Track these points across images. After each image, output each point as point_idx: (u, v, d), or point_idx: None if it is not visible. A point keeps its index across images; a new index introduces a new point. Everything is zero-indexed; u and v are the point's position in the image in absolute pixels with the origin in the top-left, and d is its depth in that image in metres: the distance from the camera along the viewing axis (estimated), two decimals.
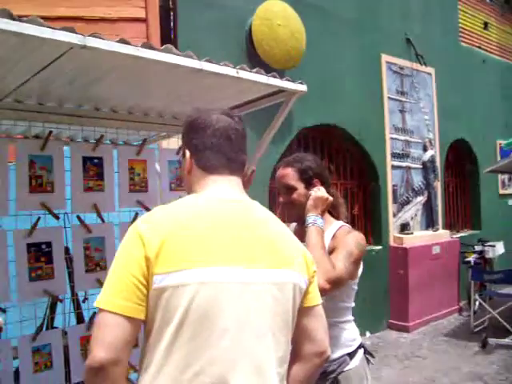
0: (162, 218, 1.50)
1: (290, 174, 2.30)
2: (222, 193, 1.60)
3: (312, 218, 2.18)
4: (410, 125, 7.52)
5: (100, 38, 1.90)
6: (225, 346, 1.43)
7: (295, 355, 1.62)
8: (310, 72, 5.66)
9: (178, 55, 2.14)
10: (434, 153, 7.82)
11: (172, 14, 5.00)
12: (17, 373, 2.51)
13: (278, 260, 1.56)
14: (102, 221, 2.80)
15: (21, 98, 2.48)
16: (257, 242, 1.54)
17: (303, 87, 2.69)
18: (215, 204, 1.57)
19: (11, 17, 1.70)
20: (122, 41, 1.97)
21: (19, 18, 1.72)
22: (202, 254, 1.45)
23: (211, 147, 1.63)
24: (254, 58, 5.29)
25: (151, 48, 2.05)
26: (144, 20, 4.80)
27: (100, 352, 1.34)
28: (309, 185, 2.29)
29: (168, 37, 4.88)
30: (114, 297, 1.39)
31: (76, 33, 1.83)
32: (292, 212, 2.30)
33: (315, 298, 1.65)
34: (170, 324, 1.41)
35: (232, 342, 1.44)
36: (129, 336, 1.38)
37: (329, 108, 6.24)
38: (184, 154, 1.67)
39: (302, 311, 1.61)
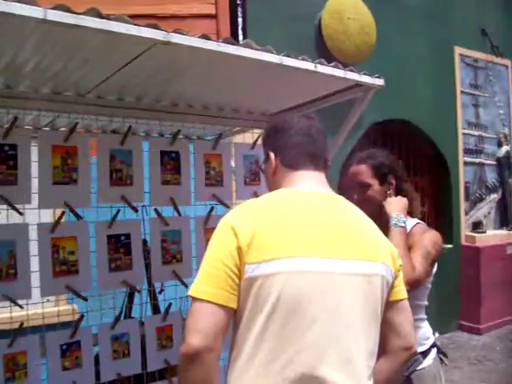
0: (253, 210, 1.55)
1: (364, 171, 2.27)
2: (309, 187, 1.63)
3: (396, 218, 2.15)
4: (484, 119, 7.28)
5: (183, 34, 1.93)
6: (314, 336, 1.44)
7: (381, 349, 1.61)
8: (380, 66, 5.54)
9: (258, 50, 2.15)
10: (510, 148, 7.53)
11: (241, 9, 5.03)
12: (97, 358, 2.60)
13: (366, 252, 1.56)
14: (179, 214, 2.84)
15: (102, 94, 2.55)
16: (344, 234, 1.55)
17: (380, 81, 2.65)
18: (303, 197, 1.60)
19: (100, 15, 1.75)
20: (204, 36, 1.99)
21: (107, 16, 1.77)
22: (293, 244, 1.47)
23: (295, 145, 1.68)
24: (322, 52, 5.25)
25: (231, 43, 2.07)
26: (214, 16, 4.86)
27: (194, 339, 1.39)
28: (383, 181, 2.25)
29: (237, 32, 4.92)
30: (207, 286, 1.44)
31: (160, 29, 1.87)
32: (366, 209, 2.25)
33: (401, 292, 1.65)
34: (261, 313, 1.43)
35: (321, 333, 1.45)
36: (222, 324, 1.42)
37: (399, 103, 6.12)
38: (267, 157, 1.73)
39: (389, 305, 1.61)
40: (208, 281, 1.45)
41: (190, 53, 2.02)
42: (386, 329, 1.61)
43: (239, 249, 1.44)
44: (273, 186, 1.71)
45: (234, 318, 1.48)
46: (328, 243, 1.51)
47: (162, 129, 2.90)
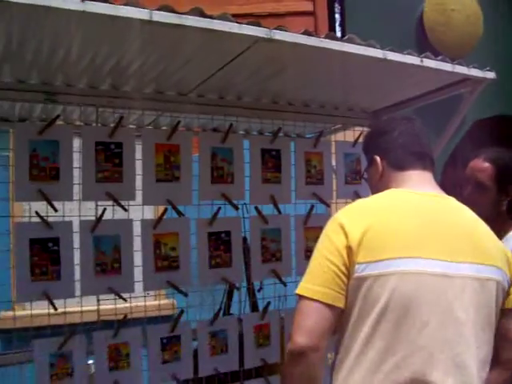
0: (363, 210, 1.54)
1: (487, 171, 2.12)
2: (418, 187, 1.59)
3: None
4: None
5: (285, 31, 1.90)
6: (425, 340, 1.40)
7: (494, 360, 1.54)
8: (485, 58, 5.25)
9: (361, 45, 2.09)
10: None
11: (338, 5, 4.92)
12: (195, 353, 2.64)
13: (480, 255, 1.50)
14: (279, 212, 2.83)
15: (203, 93, 2.58)
16: (457, 236, 1.50)
17: (491, 74, 2.52)
18: (414, 197, 1.56)
19: (203, 14, 1.77)
20: (306, 32, 1.96)
21: (210, 15, 1.78)
22: (404, 245, 1.44)
23: (401, 146, 1.66)
24: (423, 46, 5.02)
25: (334, 39, 2.02)
26: (311, 13, 4.79)
27: (300, 338, 1.40)
28: (502, 189, 2.10)
29: (335, 29, 4.82)
30: (315, 284, 1.44)
31: (263, 27, 1.86)
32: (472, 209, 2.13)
33: None
34: (371, 314, 1.42)
35: (432, 337, 1.41)
36: (328, 323, 1.43)
37: (507, 98, 5.75)
38: (372, 161, 1.71)
39: (504, 313, 1.54)
40: (316, 279, 1.45)
41: (291, 49, 2.00)
42: (500, 338, 1.54)
43: (349, 248, 1.43)
44: (379, 189, 1.67)
45: (340, 318, 1.47)
46: (441, 245, 1.47)
47: (262, 127, 2.90)
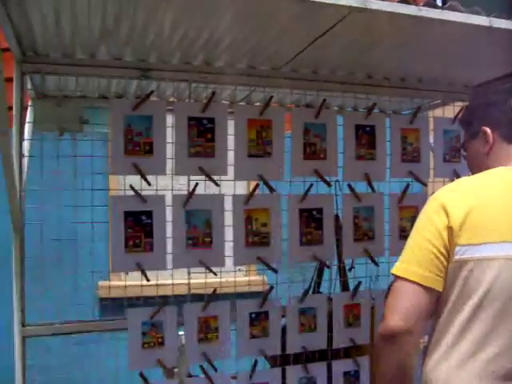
0: (467, 188, 1.46)
1: None
2: None
3: None
4: None
5: (381, 0, 1.81)
6: None
7: None
8: None
9: (464, 12, 1.95)
10: None
11: None
12: (283, 330, 2.63)
13: None
14: (373, 190, 2.75)
15: (296, 67, 2.53)
16: None
17: None
18: None
19: None
20: (404, 1, 1.87)
21: None
22: (509, 228, 1.36)
23: None
24: None
25: (434, 7, 1.90)
26: None
27: (393, 320, 1.36)
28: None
29: None
30: (412, 265, 1.39)
31: None
32: None
33: None
34: (469, 300, 1.36)
35: None
36: (424, 306, 1.37)
37: None
38: (478, 133, 1.59)
39: None
40: (413, 260, 1.41)
41: (387, 20, 1.92)
42: None
43: (450, 229, 1.37)
44: (485, 164, 1.56)
45: (437, 300, 1.42)
46: None
47: (356, 102, 2.81)
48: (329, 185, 2.67)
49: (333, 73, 2.61)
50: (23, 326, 2.25)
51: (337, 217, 2.75)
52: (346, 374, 2.73)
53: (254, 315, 2.56)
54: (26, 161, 2.32)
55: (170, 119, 2.42)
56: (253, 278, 3.28)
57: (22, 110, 2.25)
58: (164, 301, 2.42)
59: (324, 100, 2.61)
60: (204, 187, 2.47)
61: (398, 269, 1.43)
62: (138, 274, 2.38)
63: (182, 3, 1.80)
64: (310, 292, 2.80)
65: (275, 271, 2.57)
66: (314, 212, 2.66)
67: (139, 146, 2.35)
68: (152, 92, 2.40)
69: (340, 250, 2.76)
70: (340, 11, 1.83)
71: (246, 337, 2.54)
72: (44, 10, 1.81)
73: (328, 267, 2.77)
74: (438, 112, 3.04)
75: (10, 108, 2.03)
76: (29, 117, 2.45)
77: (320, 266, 2.83)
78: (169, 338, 2.42)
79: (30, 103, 2.51)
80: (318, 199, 2.67)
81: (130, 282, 2.64)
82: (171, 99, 2.71)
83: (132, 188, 2.34)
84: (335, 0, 1.76)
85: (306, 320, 2.65)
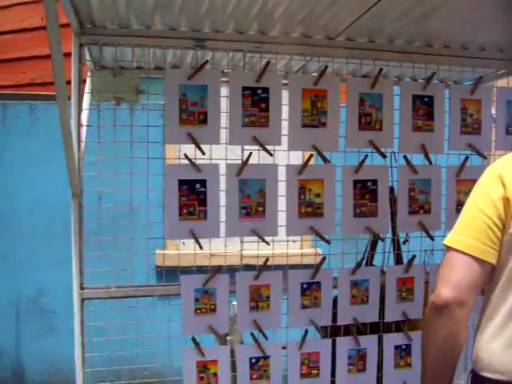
0: None
1: None
2: None
3: None
4: None
5: None
6: None
7: None
8: None
9: None
10: None
11: None
12: (335, 301, 2.64)
13: None
14: (430, 162, 2.68)
15: (352, 36, 2.49)
16: None
17: None
18: None
19: None
20: None
21: None
22: None
23: None
24: None
25: None
26: None
27: (445, 290, 1.35)
28: None
29: None
30: (465, 236, 1.37)
31: None
32: None
33: None
34: None
35: None
36: (477, 278, 1.35)
37: None
38: None
39: None
40: (466, 231, 1.39)
41: None
42: None
43: (506, 200, 1.34)
44: None
45: (490, 274, 1.39)
46: None
47: (414, 72, 2.73)
48: (384, 156, 2.62)
49: (390, 42, 2.56)
50: (81, 288, 2.35)
51: (392, 189, 2.71)
52: (397, 347, 2.71)
53: (305, 285, 2.57)
54: (84, 130, 2.40)
55: (224, 89, 2.44)
56: (305, 250, 3.27)
57: (81, 81, 2.32)
58: (217, 268, 2.46)
59: (380, 70, 2.56)
60: (258, 157, 2.48)
61: (450, 240, 1.41)
62: (192, 244, 2.44)
63: None
64: (363, 264, 2.78)
65: (328, 242, 2.57)
66: (369, 183, 2.63)
67: (194, 116, 2.38)
68: (207, 61, 2.41)
69: (394, 223, 2.72)
70: None
71: (297, 307, 2.56)
72: None
73: (382, 240, 2.74)
74: (503, 83, 2.92)
75: (68, 82, 2.09)
76: (87, 87, 2.53)
77: (373, 238, 2.80)
78: (221, 305, 2.47)
79: (88, 74, 2.58)
80: (372, 170, 2.63)
81: (184, 251, 2.70)
82: (226, 69, 2.72)
83: (186, 157, 2.38)
84: None
85: (358, 292, 2.64)
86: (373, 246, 2.86)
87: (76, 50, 2.29)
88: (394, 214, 2.71)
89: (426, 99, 2.65)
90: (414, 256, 2.71)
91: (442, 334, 1.38)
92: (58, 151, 2.18)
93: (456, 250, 1.37)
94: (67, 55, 2.06)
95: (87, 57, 2.47)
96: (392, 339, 2.70)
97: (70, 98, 2.23)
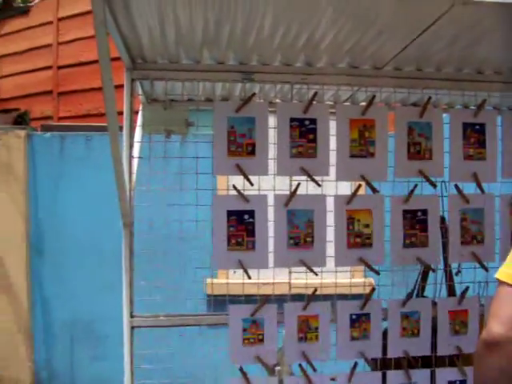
0: None
1: None
2: None
3: None
4: None
5: None
6: None
7: None
8: None
9: None
10: None
11: None
12: (385, 333, 2.59)
13: None
14: (482, 191, 2.62)
15: (400, 65, 2.48)
16: None
17: None
18: None
19: None
20: None
21: None
22: None
23: None
24: None
25: None
26: None
27: (496, 327, 1.31)
28: None
29: None
30: None
31: None
32: None
33: None
34: None
35: None
36: None
37: None
38: None
39: None
40: None
41: (495, 11, 1.83)
42: None
43: None
44: None
45: None
46: None
47: (464, 99, 2.69)
48: (434, 186, 2.58)
49: (438, 70, 2.54)
50: (131, 316, 2.39)
51: (442, 219, 2.66)
52: (450, 383, 2.62)
53: (354, 316, 2.53)
54: (135, 162, 2.46)
55: (272, 119, 2.46)
56: (354, 280, 3.24)
57: (132, 114, 2.40)
58: (265, 298, 2.46)
59: (429, 98, 2.54)
60: (306, 188, 2.48)
61: (502, 273, 1.38)
62: (242, 272, 2.45)
63: (280, 5, 1.83)
64: (414, 296, 2.72)
65: (377, 273, 2.53)
66: (419, 213, 2.59)
67: (242, 147, 2.41)
68: (254, 94, 2.45)
69: (446, 254, 2.66)
70: (441, 5, 1.79)
71: (347, 338, 2.52)
72: (150, 21, 1.93)
73: (433, 271, 2.68)
74: None
75: (121, 113, 2.17)
76: (139, 120, 2.60)
77: (424, 269, 2.75)
78: (269, 335, 2.46)
79: (140, 107, 2.66)
80: (422, 200, 2.59)
81: (232, 280, 2.71)
82: (275, 100, 2.75)
83: (235, 188, 2.41)
84: None
85: (409, 324, 2.58)
86: (424, 277, 2.80)
87: (128, 84, 2.37)
88: (445, 245, 2.66)
89: (478, 127, 2.60)
90: (467, 288, 2.63)
91: (494, 372, 1.33)
92: (111, 180, 2.25)
93: (508, 284, 1.33)
94: (120, 87, 2.14)
95: (139, 91, 2.55)
96: (445, 374, 2.62)
97: (122, 130, 2.31)
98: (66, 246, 4.49)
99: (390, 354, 2.56)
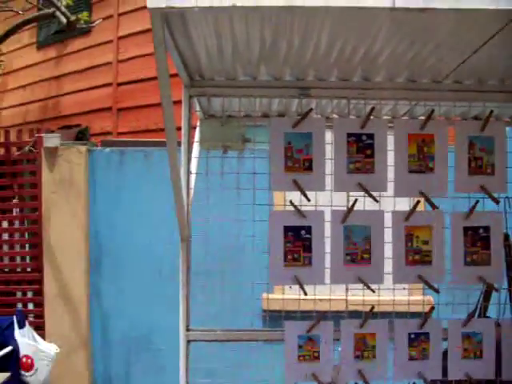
0: None
1: None
2: None
3: None
4: None
5: None
6: None
7: None
8: None
9: None
10: None
11: None
12: (445, 354, 2.51)
13: None
14: None
15: (459, 79, 2.44)
16: None
17: None
18: None
19: None
20: None
21: None
22: None
23: None
24: None
25: None
26: None
27: None
28: None
29: None
30: None
31: None
32: None
33: None
34: None
35: None
36: None
37: None
38: None
39: None
40: None
41: None
42: None
43: None
44: None
45: None
46: None
47: None
48: (497, 202, 2.51)
49: (501, 82, 2.47)
50: (187, 330, 2.41)
51: (506, 236, 2.57)
52: None
53: (413, 335, 2.47)
54: (193, 177, 2.49)
55: (328, 135, 2.45)
56: (413, 297, 3.16)
57: (190, 130, 2.43)
58: (321, 315, 2.44)
59: (491, 112, 2.47)
60: (363, 203, 2.45)
61: None
62: (298, 288, 2.43)
63: (336, 21, 1.83)
64: (476, 316, 2.63)
65: (437, 291, 2.46)
66: (481, 230, 2.51)
67: (299, 163, 2.41)
68: (311, 110, 2.44)
69: (510, 273, 2.57)
70: (501, 18, 1.75)
71: (405, 358, 2.46)
72: (207, 38, 1.95)
73: (496, 290, 2.59)
74: None
75: (179, 128, 2.20)
76: (196, 136, 2.64)
77: (487, 288, 2.66)
78: (324, 352, 2.43)
79: (198, 124, 2.70)
80: (484, 217, 2.52)
81: (288, 295, 2.70)
82: (333, 116, 2.74)
83: (292, 203, 2.40)
84: (495, 6, 1.67)
85: (471, 345, 2.49)
86: (486, 296, 2.71)
87: (186, 101, 2.41)
88: (509, 263, 2.57)
89: None
90: None
91: None
92: (170, 195, 2.28)
93: None
94: (178, 102, 2.18)
95: (197, 107, 2.58)
96: None
97: (180, 145, 2.34)
98: (125, 259, 4.57)
99: (451, 376, 2.48)
